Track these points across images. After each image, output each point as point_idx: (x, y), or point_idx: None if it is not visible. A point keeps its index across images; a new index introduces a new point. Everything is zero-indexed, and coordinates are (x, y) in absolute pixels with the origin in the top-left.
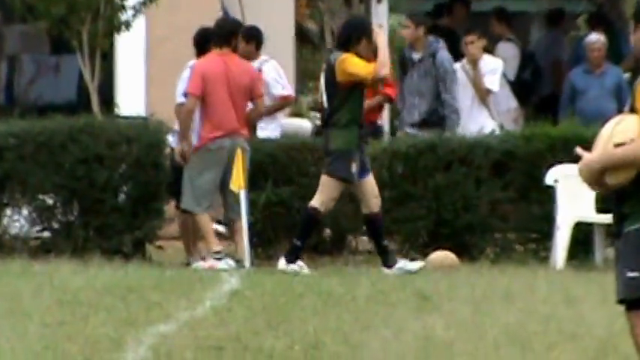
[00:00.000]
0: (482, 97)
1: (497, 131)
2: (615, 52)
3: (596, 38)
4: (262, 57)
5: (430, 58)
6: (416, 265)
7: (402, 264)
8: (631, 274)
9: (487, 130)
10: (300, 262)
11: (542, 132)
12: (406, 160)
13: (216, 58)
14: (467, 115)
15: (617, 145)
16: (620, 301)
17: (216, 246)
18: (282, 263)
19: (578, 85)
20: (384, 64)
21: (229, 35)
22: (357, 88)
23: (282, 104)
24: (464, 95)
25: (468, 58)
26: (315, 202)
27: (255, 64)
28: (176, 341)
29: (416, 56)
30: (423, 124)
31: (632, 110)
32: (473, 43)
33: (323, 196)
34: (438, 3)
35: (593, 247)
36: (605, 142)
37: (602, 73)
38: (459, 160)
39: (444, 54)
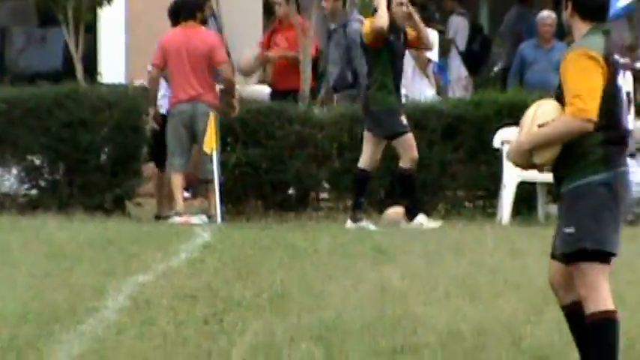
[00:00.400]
0: (422, 67)
1: (436, 98)
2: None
3: (547, 14)
4: None
5: (342, 29)
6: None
7: (422, 219)
8: (567, 230)
9: (427, 97)
10: (422, 217)
11: (490, 98)
12: (364, 124)
13: (178, 31)
14: (408, 84)
15: (541, 126)
16: (554, 255)
17: (180, 207)
18: (420, 220)
19: (527, 57)
20: (380, 17)
21: (194, 9)
22: (383, 49)
23: None
24: (406, 65)
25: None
26: (404, 163)
27: None
28: (153, 290)
29: (332, 26)
30: (335, 89)
31: (559, 89)
32: (406, 7)
33: (405, 154)
34: None
35: (536, 204)
36: (530, 125)
37: (551, 48)
38: (413, 124)
39: (354, 25)
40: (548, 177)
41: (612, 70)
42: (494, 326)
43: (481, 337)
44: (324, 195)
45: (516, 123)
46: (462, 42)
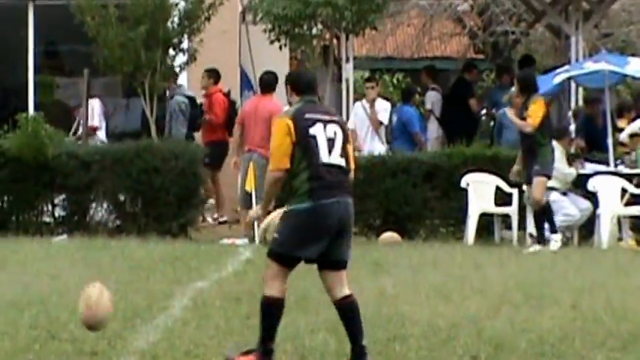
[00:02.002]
0: (376, 128)
1: (387, 153)
2: None
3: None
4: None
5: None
6: (555, 246)
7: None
8: (274, 235)
9: (380, 151)
10: (556, 236)
11: (458, 151)
12: (365, 170)
13: (254, 100)
14: (362, 141)
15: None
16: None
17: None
18: (552, 245)
19: (504, 122)
20: None
21: (268, 86)
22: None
23: None
24: (362, 125)
25: (367, 98)
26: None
27: None
28: (209, 294)
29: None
30: None
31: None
32: (373, 88)
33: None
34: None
35: (493, 230)
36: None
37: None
38: (401, 170)
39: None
40: (503, 210)
41: (303, 126)
42: (463, 321)
43: (453, 329)
44: None
45: (479, 170)
46: (437, 110)
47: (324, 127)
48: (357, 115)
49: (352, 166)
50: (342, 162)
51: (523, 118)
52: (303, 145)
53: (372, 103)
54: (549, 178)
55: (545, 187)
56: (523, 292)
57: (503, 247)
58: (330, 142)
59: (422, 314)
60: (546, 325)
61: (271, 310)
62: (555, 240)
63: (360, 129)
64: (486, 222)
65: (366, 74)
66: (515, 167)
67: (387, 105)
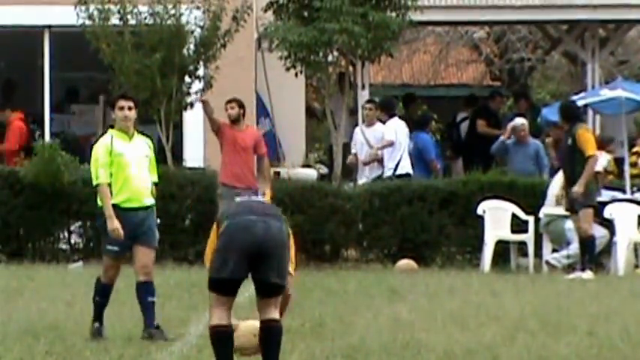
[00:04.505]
0: (380, 149)
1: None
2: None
3: (520, 122)
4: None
5: None
6: (588, 275)
7: (580, 274)
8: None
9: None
10: (589, 272)
11: (475, 178)
12: (381, 197)
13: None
14: (362, 167)
15: None
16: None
17: None
18: (585, 275)
19: (510, 152)
20: None
21: None
22: None
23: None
24: (361, 150)
25: (365, 120)
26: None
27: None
28: None
29: None
30: None
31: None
32: (371, 110)
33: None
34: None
35: (509, 257)
36: None
37: (526, 144)
38: (417, 197)
39: None
40: (520, 237)
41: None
42: (479, 348)
43: (469, 356)
44: (351, 251)
45: (495, 197)
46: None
47: None
48: (356, 139)
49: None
50: None
51: (569, 146)
52: None
53: (370, 124)
54: (595, 208)
55: (592, 218)
56: (539, 319)
57: (520, 275)
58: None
59: (438, 341)
60: (563, 352)
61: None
62: (587, 275)
63: (360, 153)
64: (502, 249)
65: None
66: (558, 192)
67: (399, 124)
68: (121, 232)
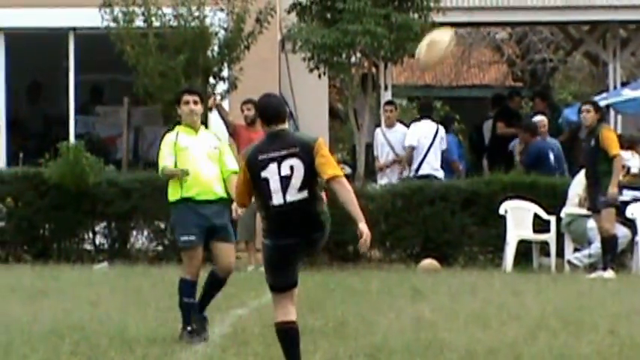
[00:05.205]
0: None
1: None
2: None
3: (540, 119)
4: None
5: None
6: (610, 274)
7: (601, 273)
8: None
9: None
10: (610, 271)
11: (496, 179)
12: (403, 197)
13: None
14: (382, 168)
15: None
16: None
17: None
18: (606, 274)
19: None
20: None
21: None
22: None
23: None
24: (382, 151)
25: (386, 123)
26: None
27: None
28: (247, 321)
29: None
30: None
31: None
32: (391, 112)
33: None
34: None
35: (532, 257)
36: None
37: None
38: (439, 198)
39: None
40: (542, 237)
41: (255, 169)
42: (501, 347)
43: (491, 355)
44: (374, 251)
45: (517, 197)
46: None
47: (279, 165)
48: (377, 140)
49: (332, 173)
50: (301, 196)
51: (593, 147)
52: (257, 187)
53: (390, 126)
54: (617, 207)
55: (614, 217)
56: (561, 318)
57: (542, 274)
58: (285, 180)
59: (460, 340)
60: (584, 351)
61: (282, 335)
62: (609, 274)
63: (380, 155)
64: (524, 249)
65: (404, 102)
66: (581, 193)
67: (423, 126)
68: (186, 168)
